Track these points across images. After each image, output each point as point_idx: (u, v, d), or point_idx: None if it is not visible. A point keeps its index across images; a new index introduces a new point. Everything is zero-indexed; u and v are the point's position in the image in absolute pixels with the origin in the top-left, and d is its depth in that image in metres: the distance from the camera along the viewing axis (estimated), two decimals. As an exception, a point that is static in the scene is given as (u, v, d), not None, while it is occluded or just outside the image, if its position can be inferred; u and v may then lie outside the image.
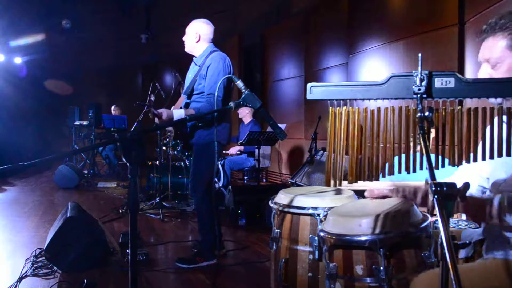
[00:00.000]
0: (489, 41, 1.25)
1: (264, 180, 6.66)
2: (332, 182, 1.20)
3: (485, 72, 1.26)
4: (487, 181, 1.42)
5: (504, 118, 1.06)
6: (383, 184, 1.56)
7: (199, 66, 3.04)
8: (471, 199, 1.20)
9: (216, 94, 2.19)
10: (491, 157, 1.08)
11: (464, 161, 1.10)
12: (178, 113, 2.93)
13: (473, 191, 1.40)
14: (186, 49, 3.12)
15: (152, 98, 3.04)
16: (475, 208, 1.19)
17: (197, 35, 3.04)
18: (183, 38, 3.11)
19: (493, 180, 1.33)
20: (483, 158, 1.08)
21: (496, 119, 1.07)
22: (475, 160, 1.09)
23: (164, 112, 2.94)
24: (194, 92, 3.03)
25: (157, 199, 4.95)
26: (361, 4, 4.57)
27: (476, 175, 1.42)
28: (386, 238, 1.29)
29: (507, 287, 1.14)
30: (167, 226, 4.23)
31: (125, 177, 7.47)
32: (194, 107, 2.96)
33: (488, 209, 1.16)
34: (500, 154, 1.07)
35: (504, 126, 1.06)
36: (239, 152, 5.25)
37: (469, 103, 1.13)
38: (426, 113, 1.04)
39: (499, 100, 1.17)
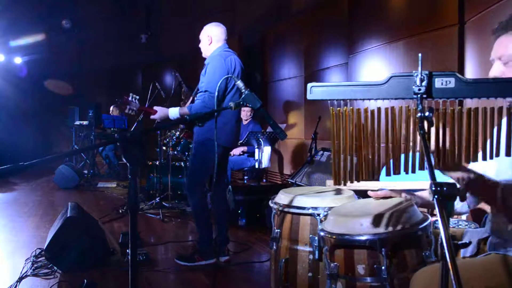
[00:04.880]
0: (502, 39, 1.27)
1: (264, 180, 6.66)
2: (332, 182, 1.20)
3: (497, 70, 1.28)
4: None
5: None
6: (383, 184, 1.57)
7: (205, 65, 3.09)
8: (481, 179, 1.21)
9: (215, 92, 2.20)
10: (491, 157, 1.08)
11: (463, 162, 1.10)
12: (173, 112, 2.97)
13: None
14: (203, 54, 3.18)
15: (137, 97, 3.08)
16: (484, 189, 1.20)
17: (209, 38, 3.11)
18: (199, 46, 3.18)
19: (500, 179, 1.33)
20: (484, 158, 1.08)
21: (505, 120, 1.07)
22: (474, 160, 1.09)
23: (158, 110, 2.99)
24: (198, 91, 3.08)
25: (157, 199, 4.95)
26: (361, 4, 4.57)
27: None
28: (388, 238, 1.29)
29: (507, 282, 1.15)
30: (167, 226, 4.24)
31: (125, 177, 7.46)
32: (188, 106, 2.99)
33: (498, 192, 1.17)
34: (498, 154, 1.07)
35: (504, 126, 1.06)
36: (242, 153, 5.24)
37: (469, 103, 1.13)
38: (426, 113, 1.04)
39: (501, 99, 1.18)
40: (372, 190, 1.57)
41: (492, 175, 1.40)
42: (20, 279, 2.68)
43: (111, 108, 8.62)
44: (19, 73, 9.46)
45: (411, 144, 1.12)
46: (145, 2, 9.29)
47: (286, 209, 1.78)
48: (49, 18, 9.64)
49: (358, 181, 1.17)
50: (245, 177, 5.59)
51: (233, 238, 3.69)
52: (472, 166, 1.29)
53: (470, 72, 3.13)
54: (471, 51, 3.15)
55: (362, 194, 1.83)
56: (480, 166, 1.37)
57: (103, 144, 7.49)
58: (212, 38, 3.11)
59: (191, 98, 3.36)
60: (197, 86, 3.18)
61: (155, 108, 3.02)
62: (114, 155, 8.18)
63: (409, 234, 1.33)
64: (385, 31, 4.08)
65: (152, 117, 3.01)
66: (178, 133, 5.01)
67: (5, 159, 7.90)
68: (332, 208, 1.62)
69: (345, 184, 1.18)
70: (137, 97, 3.10)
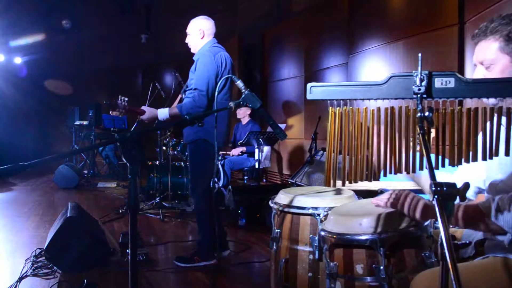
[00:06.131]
0: (482, 45, 1.29)
1: (264, 180, 6.66)
2: (331, 182, 1.20)
3: (480, 74, 1.31)
4: (483, 182, 1.42)
5: (503, 119, 1.06)
6: (383, 184, 1.56)
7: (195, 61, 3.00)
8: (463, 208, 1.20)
9: (206, 90, 2.11)
10: (490, 156, 1.08)
11: (463, 161, 1.10)
12: (162, 113, 2.88)
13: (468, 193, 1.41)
14: (192, 50, 3.07)
15: (126, 98, 2.94)
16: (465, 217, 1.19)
17: (201, 31, 3.00)
18: (186, 40, 3.07)
19: (490, 181, 1.33)
20: (483, 158, 1.08)
21: (495, 119, 1.08)
22: (474, 159, 1.09)
23: (147, 110, 2.88)
24: (187, 88, 2.99)
25: (157, 199, 4.95)
26: (361, 4, 4.57)
27: (473, 176, 1.43)
28: (386, 237, 1.29)
29: (506, 286, 1.15)
30: (167, 226, 4.23)
31: (125, 177, 7.46)
32: (178, 105, 2.90)
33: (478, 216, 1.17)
34: (496, 154, 1.08)
35: (503, 126, 1.06)
36: (241, 153, 5.25)
37: (469, 103, 1.13)
38: (426, 113, 1.04)
39: (496, 100, 1.19)
40: (372, 190, 1.57)
41: (483, 177, 1.41)
42: (20, 279, 2.68)
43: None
44: (19, 73, 9.46)
45: (411, 144, 1.12)
46: (145, 2, 9.29)
47: (286, 209, 1.78)
48: (49, 18, 9.63)
49: (357, 182, 1.17)
50: (245, 177, 5.59)
51: (233, 238, 3.69)
52: (464, 168, 1.29)
53: (470, 72, 3.13)
54: (471, 51, 3.14)
55: (362, 194, 1.83)
56: (472, 168, 1.38)
57: (103, 144, 7.49)
58: (204, 31, 3.00)
59: (179, 97, 3.27)
60: (186, 83, 3.08)
61: (143, 108, 2.91)
62: (114, 155, 8.18)
63: (408, 234, 1.33)
64: (385, 31, 4.08)
65: (141, 118, 2.91)
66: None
67: (5, 159, 7.90)
68: (332, 208, 1.62)
69: (339, 185, 1.18)
70: (126, 99, 2.92)
